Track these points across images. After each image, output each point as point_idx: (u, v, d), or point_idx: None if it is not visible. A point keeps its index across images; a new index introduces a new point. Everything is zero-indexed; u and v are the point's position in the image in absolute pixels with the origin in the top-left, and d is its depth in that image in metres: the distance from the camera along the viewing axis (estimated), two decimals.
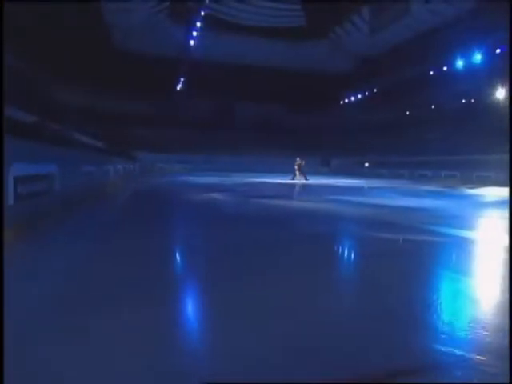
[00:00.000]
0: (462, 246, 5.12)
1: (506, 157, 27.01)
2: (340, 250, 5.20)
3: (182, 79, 43.63)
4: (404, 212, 8.79)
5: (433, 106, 39.36)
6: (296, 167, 23.20)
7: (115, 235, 5.30)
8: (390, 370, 2.08)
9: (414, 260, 4.39)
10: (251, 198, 11.11)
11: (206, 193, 12.49)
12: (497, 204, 11.92)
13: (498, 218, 8.65)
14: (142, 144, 37.39)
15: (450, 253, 4.92)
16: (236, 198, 11.25)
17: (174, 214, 7.65)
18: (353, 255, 5.02)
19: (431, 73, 33.85)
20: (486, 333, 2.53)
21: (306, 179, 22.86)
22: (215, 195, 11.60)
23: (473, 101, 34.98)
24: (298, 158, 23.41)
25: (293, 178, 23.20)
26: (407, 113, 42.55)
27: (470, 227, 6.91)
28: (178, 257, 4.64)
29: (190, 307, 3.02)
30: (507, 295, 3.20)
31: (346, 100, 47.36)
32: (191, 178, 24.32)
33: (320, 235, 5.67)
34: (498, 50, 26.68)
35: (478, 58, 28.95)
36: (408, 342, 2.41)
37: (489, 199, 14.05)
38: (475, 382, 2.25)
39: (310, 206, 9.42)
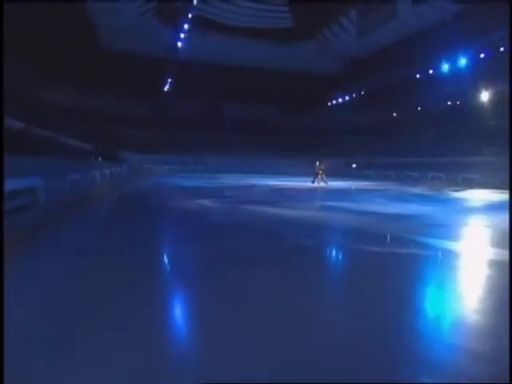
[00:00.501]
0: (448, 261, 5.17)
1: (490, 159, 27.62)
2: (326, 268, 5.17)
3: (169, 79, 43.48)
4: (392, 220, 8.86)
5: (419, 108, 39.85)
6: (320, 171, 23.50)
7: (88, 261, 5.19)
8: None
9: (400, 278, 4.42)
10: (240, 205, 11.08)
11: (194, 199, 12.41)
12: (482, 209, 12.11)
13: (483, 226, 8.79)
14: (130, 144, 37.21)
15: (436, 269, 4.97)
16: (225, 204, 11.20)
17: (156, 232, 7.41)
18: (339, 273, 5.03)
19: (417, 76, 34.23)
20: (468, 360, 2.57)
21: (325, 182, 23.16)
22: (204, 202, 11.53)
23: (458, 103, 35.53)
24: (317, 162, 23.78)
25: (313, 182, 23.42)
26: (394, 114, 43.02)
27: (456, 238, 7.01)
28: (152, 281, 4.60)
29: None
30: (487, 318, 3.26)
31: (334, 101, 47.62)
32: (179, 181, 24.22)
33: (307, 249, 5.66)
34: (482, 55, 27.11)
35: (462, 61, 29.35)
36: (389, 369, 2.44)
37: (474, 204, 14.24)
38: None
39: (296, 214, 9.43)
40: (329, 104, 48.15)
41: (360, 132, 42.25)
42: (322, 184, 22.77)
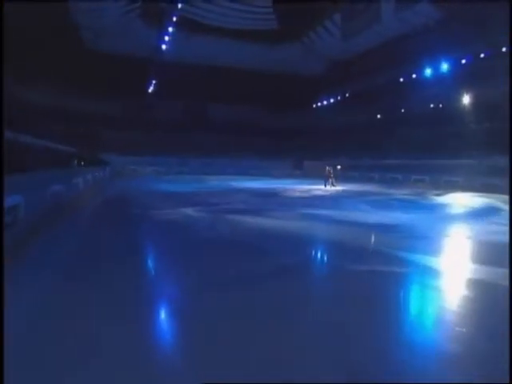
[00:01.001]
0: (429, 281, 5.22)
1: (471, 162, 28.12)
2: (305, 294, 4.99)
3: (154, 80, 43.06)
4: (375, 231, 8.96)
5: (402, 110, 40.32)
6: (331, 176, 24.58)
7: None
8: None
9: (379, 302, 4.47)
10: (224, 215, 11.03)
11: (177, 207, 12.28)
12: (463, 218, 12.29)
13: (464, 237, 8.90)
14: (114, 146, 36.79)
15: (417, 291, 5.03)
16: (209, 214, 11.09)
17: (137, 248, 7.28)
18: (318, 299, 4.99)
19: (401, 79, 34.65)
20: None
21: (333, 185, 24.59)
22: (187, 211, 11.46)
23: (441, 106, 36.09)
24: (327, 167, 25.00)
25: (325, 185, 24.77)
26: (378, 116, 43.45)
27: (438, 252, 7.08)
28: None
29: None
30: (465, 349, 3.33)
31: (319, 103, 47.81)
32: (163, 185, 24.05)
33: (288, 270, 5.64)
34: (463, 61, 27.64)
35: (445, 66, 29.83)
36: None
37: (456, 211, 14.47)
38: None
39: (280, 226, 9.41)
40: (313, 106, 48.33)
41: (345, 133, 42.57)
42: (333, 188, 24.05)
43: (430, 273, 5.58)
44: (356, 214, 12.05)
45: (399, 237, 8.25)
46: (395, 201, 16.65)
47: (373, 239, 8.02)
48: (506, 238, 8.00)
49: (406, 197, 19.18)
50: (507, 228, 9.74)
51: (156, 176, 34.85)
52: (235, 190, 21.41)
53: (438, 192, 22.49)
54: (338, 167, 41.13)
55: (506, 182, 23.27)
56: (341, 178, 34.50)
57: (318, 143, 44.23)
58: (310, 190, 22.98)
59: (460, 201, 18.34)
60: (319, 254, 7.24)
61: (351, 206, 14.26)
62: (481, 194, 20.86)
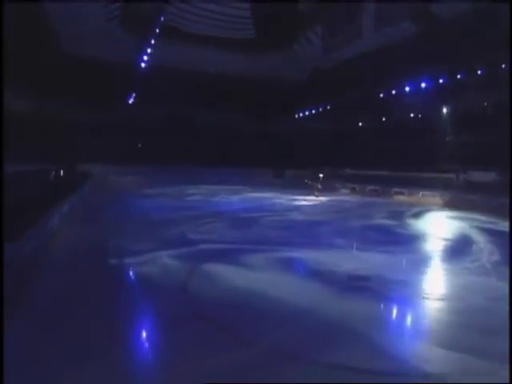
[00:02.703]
0: None
1: (449, 176, 28.65)
2: None
3: (137, 88, 42.45)
4: (347, 290, 8.77)
5: (384, 119, 40.84)
6: (318, 184, 26.00)
7: None
8: None
9: None
10: (198, 264, 10.71)
11: (152, 250, 11.61)
12: (439, 260, 12.25)
13: (441, 300, 8.58)
14: (96, 155, 36.36)
15: None
16: (183, 263, 10.73)
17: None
18: None
19: (381, 92, 35.08)
20: None
21: (316, 196, 27.06)
22: (163, 257, 11.07)
23: (420, 116, 36.66)
24: (320, 175, 26.13)
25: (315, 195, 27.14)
26: (360, 124, 43.94)
27: (416, 330, 6.86)
28: None
29: None
30: None
31: (301, 113, 47.97)
32: (143, 203, 23.71)
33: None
34: (440, 80, 28.18)
35: (423, 83, 30.33)
36: None
37: (432, 247, 14.29)
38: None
39: (249, 282, 8.92)
40: (296, 115, 48.44)
41: (326, 143, 42.87)
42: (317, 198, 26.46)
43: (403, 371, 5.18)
44: (329, 255, 11.91)
45: (371, 298, 8.17)
46: (371, 231, 16.75)
47: (345, 306, 7.74)
48: (483, 298, 7.98)
49: (383, 222, 19.43)
50: (482, 279, 9.72)
51: (137, 188, 34.20)
52: (215, 213, 21.04)
53: (415, 211, 22.89)
54: (320, 175, 41.46)
55: (481, 198, 23.93)
56: (323, 188, 34.74)
57: (299, 152, 44.38)
58: (286, 211, 22.87)
59: (435, 227, 18.69)
60: (283, 338, 6.29)
61: (326, 241, 14.22)
62: (456, 215, 21.33)
